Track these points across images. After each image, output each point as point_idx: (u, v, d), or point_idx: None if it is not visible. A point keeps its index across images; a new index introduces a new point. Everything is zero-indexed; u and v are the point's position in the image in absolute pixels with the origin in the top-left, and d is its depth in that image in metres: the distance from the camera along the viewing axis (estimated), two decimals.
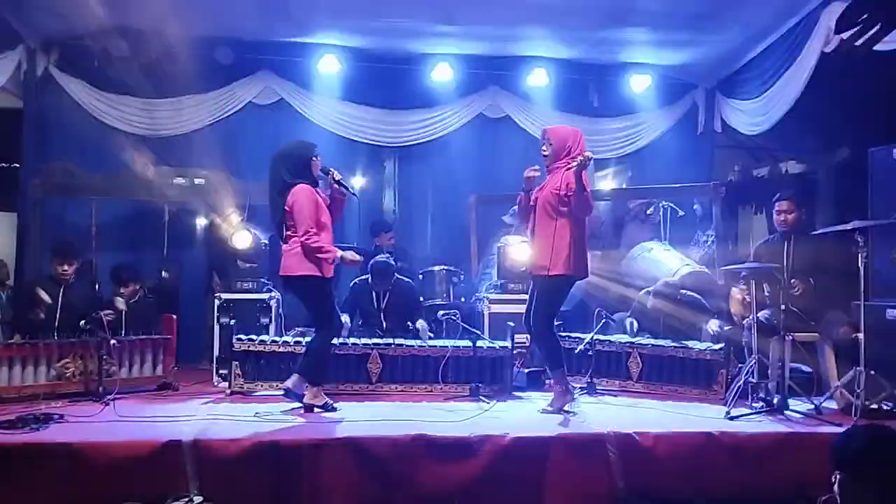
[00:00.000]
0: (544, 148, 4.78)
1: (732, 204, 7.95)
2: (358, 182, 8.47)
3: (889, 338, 4.70)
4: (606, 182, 9.04)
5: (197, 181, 7.21)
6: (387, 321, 6.00)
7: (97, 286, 6.01)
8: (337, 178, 4.87)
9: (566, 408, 4.72)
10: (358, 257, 4.88)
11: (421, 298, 6.21)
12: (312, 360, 4.80)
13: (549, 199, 4.66)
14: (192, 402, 5.05)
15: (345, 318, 5.92)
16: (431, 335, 5.91)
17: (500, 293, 6.45)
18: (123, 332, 5.55)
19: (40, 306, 5.59)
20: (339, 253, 4.72)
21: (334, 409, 4.71)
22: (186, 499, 3.60)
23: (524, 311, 4.97)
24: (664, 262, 6.60)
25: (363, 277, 6.16)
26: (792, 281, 5.24)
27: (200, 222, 7.82)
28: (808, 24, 5.98)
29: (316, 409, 4.69)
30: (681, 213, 7.52)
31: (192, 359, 6.55)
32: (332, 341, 4.97)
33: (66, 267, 5.68)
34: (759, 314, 5.02)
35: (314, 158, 4.81)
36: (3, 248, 7.32)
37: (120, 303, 5.92)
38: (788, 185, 7.05)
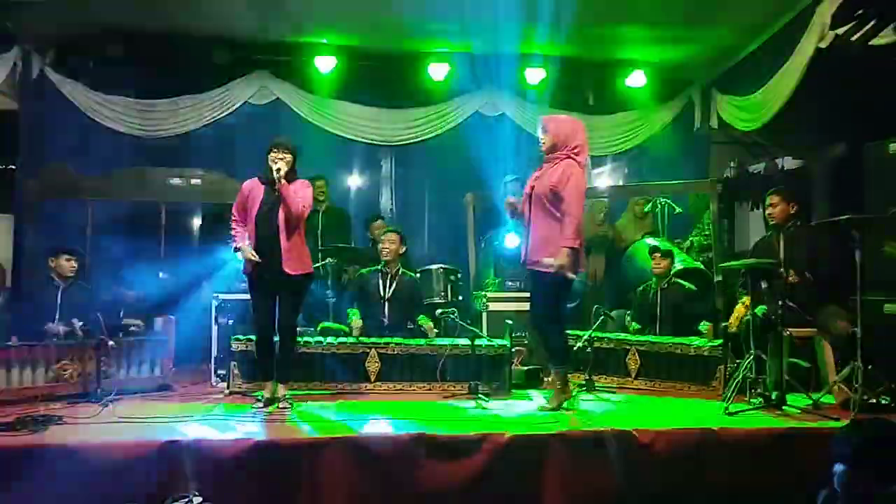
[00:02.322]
0: (541, 137, 4.70)
1: (729, 200, 7.96)
2: (354, 181, 8.49)
3: (886, 332, 4.72)
4: (603, 179, 9.06)
5: (193, 182, 7.21)
6: (389, 314, 5.97)
7: (90, 287, 5.99)
8: (274, 170, 4.72)
9: (564, 405, 4.73)
10: (251, 255, 4.68)
11: (422, 297, 6.20)
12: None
13: (545, 194, 4.58)
14: (190, 403, 5.04)
15: (354, 315, 5.94)
16: (437, 331, 5.90)
17: (499, 291, 6.46)
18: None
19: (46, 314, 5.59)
20: (240, 245, 4.77)
21: (259, 404, 4.75)
22: (186, 499, 3.59)
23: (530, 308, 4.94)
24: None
25: (372, 269, 6.14)
26: (789, 276, 5.24)
27: (197, 222, 7.83)
28: (803, 19, 5.98)
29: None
30: (678, 209, 7.55)
31: (191, 359, 6.55)
32: (258, 340, 4.95)
33: (74, 263, 5.66)
34: (756, 310, 5.03)
35: (269, 154, 4.78)
36: (1, 250, 7.31)
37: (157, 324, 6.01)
38: (784, 181, 7.07)
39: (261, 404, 4.74)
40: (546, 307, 4.72)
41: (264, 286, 4.84)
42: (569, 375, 4.86)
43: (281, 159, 4.73)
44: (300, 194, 4.78)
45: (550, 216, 4.57)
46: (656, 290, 6.22)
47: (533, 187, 4.68)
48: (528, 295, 5.27)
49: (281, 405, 4.73)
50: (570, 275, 4.49)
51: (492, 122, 7.90)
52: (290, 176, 4.78)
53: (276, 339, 4.97)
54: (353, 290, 6.25)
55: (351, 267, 6.82)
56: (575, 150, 4.61)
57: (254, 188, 4.85)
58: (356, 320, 5.69)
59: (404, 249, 6.08)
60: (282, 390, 4.84)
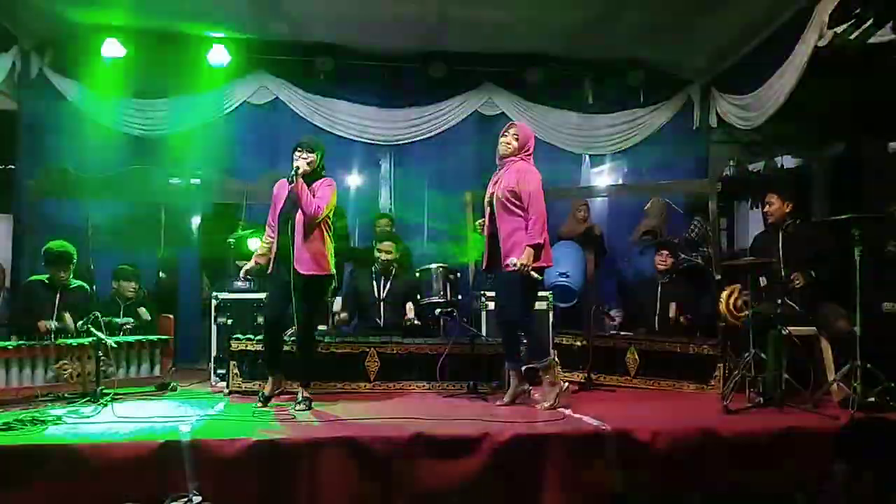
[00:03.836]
0: (508, 141, 4.80)
1: (728, 199, 7.96)
2: (353, 180, 8.48)
3: (885, 331, 4.72)
4: (602, 178, 9.05)
5: (192, 181, 7.20)
6: (385, 314, 5.96)
7: (93, 287, 6.00)
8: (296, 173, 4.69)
9: (560, 399, 4.74)
10: (241, 274, 5.03)
11: (418, 296, 6.19)
12: None
13: (508, 196, 4.68)
14: (190, 403, 5.05)
15: (344, 314, 5.92)
16: (413, 319, 5.89)
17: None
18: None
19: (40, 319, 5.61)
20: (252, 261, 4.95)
21: (260, 403, 4.75)
22: (185, 499, 3.60)
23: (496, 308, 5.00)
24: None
25: (364, 270, 6.14)
26: (792, 275, 5.24)
27: (197, 222, 7.82)
28: (802, 18, 5.98)
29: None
30: (678, 208, 7.56)
31: (190, 359, 6.55)
32: (264, 334, 4.98)
33: (62, 274, 5.68)
34: (754, 308, 5.03)
35: (293, 153, 4.76)
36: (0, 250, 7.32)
37: (143, 313, 6.09)
38: (783, 180, 7.08)
39: (260, 403, 4.72)
40: (523, 307, 4.76)
41: (279, 283, 4.76)
42: (555, 368, 4.88)
43: (303, 159, 4.68)
44: (318, 193, 4.70)
45: (514, 216, 4.67)
46: (657, 286, 6.22)
47: (493, 193, 4.78)
48: None
49: (298, 407, 4.67)
50: (535, 274, 4.57)
51: (491, 121, 7.90)
52: (313, 176, 4.72)
53: (285, 337, 5.00)
54: (348, 291, 6.21)
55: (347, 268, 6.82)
56: (528, 153, 4.83)
57: (281, 188, 4.84)
58: (341, 315, 5.72)
59: (398, 255, 6.08)
60: (302, 393, 4.78)
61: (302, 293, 4.71)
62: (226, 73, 7.32)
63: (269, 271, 4.85)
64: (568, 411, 4.62)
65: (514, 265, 4.55)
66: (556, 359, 4.94)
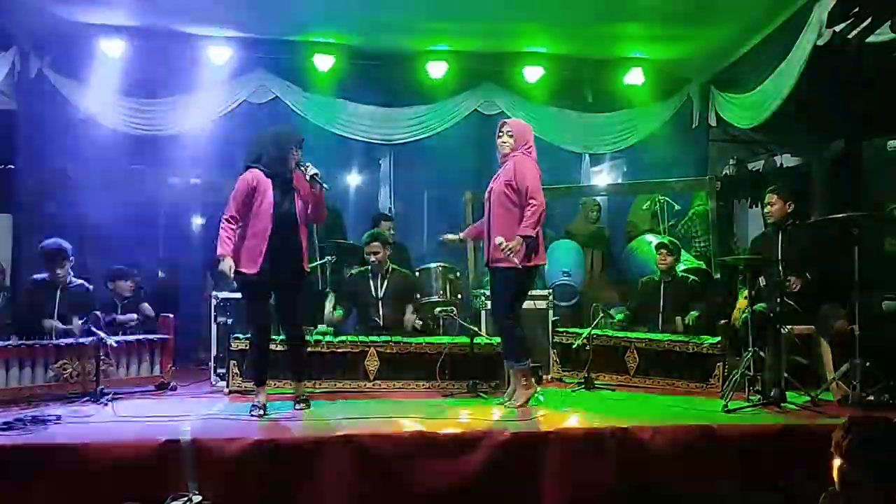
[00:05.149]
0: (504, 140, 4.83)
1: (728, 197, 7.97)
2: (353, 180, 8.48)
3: (884, 329, 4.73)
4: (601, 177, 9.07)
5: (192, 181, 7.20)
6: (385, 313, 5.96)
7: (91, 287, 6.01)
8: (309, 174, 4.59)
9: (531, 402, 4.77)
10: (229, 275, 4.47)
11: (418, 295, 6.19)
12: (248, 362, 5.01)
13: (504, 191, 4.70)
14: (190, 402, 5.05)
15: (337, 313, 5.90)
16: (418, 324, 5.89)
17: None
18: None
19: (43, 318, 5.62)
20: (223, 254, 4.45)
21: (261, 411, 4.49)
22: (185, 498, 3.60)
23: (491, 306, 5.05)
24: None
25: (362, 268, 6.14)
26: (788, 278, 5.23)
27: (196, 222, 7.82)
28: (801, 17, 5.98)
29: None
30: (677, 207, 7.56)
31: (190, 358, 6.55)
32: (262, 342, 4.68)
33: (60, 270, 5.68)
34: (755, 307, 5.03)
35: (296, 149, 4.66)
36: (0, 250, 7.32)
37: (147, 309, 6.09)
38: (782, 179, 7.08)
39: (261, 411, 4.49)
40: (509, 304, 4.78)
41: (265, 286, 4.60)
42: (530, 370, 4.90)
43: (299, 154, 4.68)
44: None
45: (509, 211, 4.68)
46: (659, 284, 6.22)
47: (492, 189, 4.81)
48: (532, 293, 5.40)
49: (298, 407, 4.68)
50: (516, 261, 4.55)
51: (490, 120, 7.89)
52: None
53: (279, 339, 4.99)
54: (345, 290, 6.19)
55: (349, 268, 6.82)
56: (528, 147, 4.83)
57: (261, 181, 4.59)
58: (336, 314, 5.76)
59: (389, 252, 6.09)
60: (301, 392, 4.78)
61: (293, 291, 4.73)
62: (226, 73, 7.31)
63: (255, 272, 4.50)
64: (540, 413, 4.58)
65: (500, 244, 4.55)
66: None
